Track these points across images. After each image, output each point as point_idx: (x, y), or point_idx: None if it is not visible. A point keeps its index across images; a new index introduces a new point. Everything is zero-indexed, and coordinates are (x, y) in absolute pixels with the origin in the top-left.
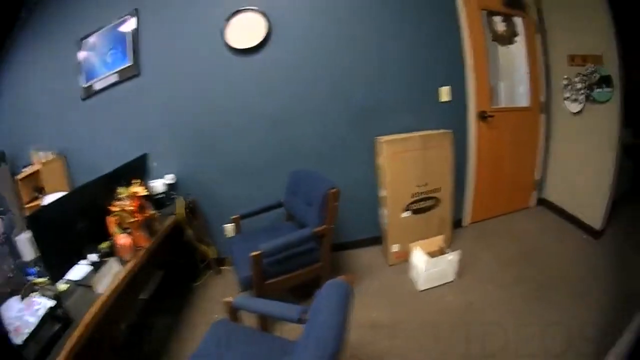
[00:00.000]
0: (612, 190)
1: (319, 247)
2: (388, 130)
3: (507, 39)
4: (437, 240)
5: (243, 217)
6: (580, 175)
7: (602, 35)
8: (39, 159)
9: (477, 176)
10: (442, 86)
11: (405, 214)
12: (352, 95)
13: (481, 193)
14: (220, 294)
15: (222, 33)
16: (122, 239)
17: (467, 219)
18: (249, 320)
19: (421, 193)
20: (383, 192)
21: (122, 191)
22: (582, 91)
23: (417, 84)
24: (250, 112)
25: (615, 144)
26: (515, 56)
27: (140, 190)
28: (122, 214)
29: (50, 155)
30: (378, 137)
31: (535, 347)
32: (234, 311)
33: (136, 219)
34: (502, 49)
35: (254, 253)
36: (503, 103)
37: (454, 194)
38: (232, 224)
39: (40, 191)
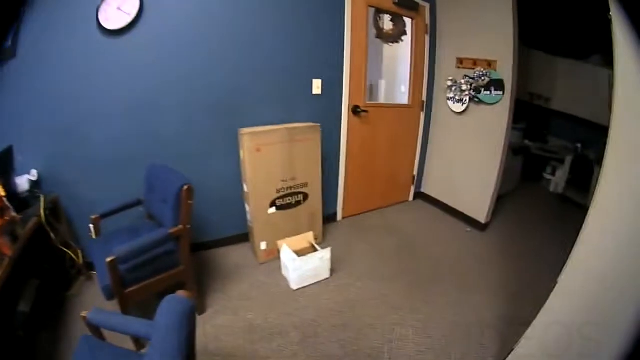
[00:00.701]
0: (497, 186)
1: (177, 251)
2: (254, 122)
3: (393, 37)
4: (308, 237)
5: (103, 216)
6: (464, 172)
7: (500, 42)
8: None
9: (348, 170)
10: (315, 78)
11: (272, 210)
12: (219, 83)
13: (354, 187)
14: (94, 303)
15: (96, 12)
16: None
17: (340, 213)
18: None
19: (287, 188)
20: (246, 188)
21: None
22: (466, 92)
23: (290, 75)
24: (111, 98)
25: (503, 144)
26: (400, 55)
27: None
28: None
29: None
30: (241, 129)
31: (417, 343)
32: (93, 327)
33: None
34: (387, 48)
35: (109, 259)
36: (382, 100)
37: (323, 189)
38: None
39: None
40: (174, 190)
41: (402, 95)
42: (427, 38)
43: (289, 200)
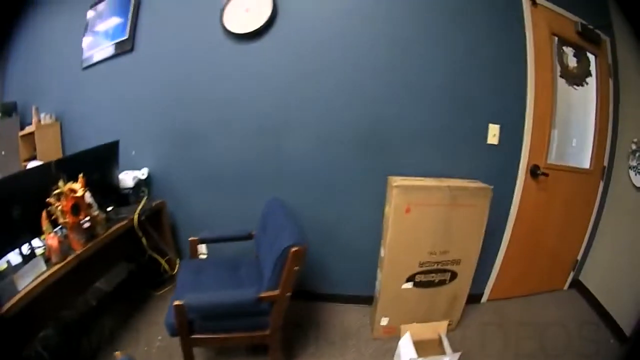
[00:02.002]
0: None
1: (268, 313)
2: (406, 169)
3: (579, 78)
4: (439, 328)
5: (202, 241)
6: (627, 264)
7: None
8: (37, 120)
9: (511, 246)
10: (492, 123)
11: (407, 285)
12: (368, 110)
13: (511, 267)
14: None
15: (221, 13)
16: (50, 239)
17: (487, 294)
18: None
19: (434, 263)
20: (382, 252)
21: (61, 186)
22: None
23: (459, 113)
24: (237, 107)
25: None
26: (580, 102)
27: (77, 189)
28: (56, 211)
29: (48, 119)
30: (391, 177)
31: None
32: None
33: (67, 220)
34: (567, 90)
35: (176, 302)
36: (553, 158)
37: (475, 269)
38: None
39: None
40: (279, 248)
41: (575, 155)
42: (611, 82)
43: (431, 278)
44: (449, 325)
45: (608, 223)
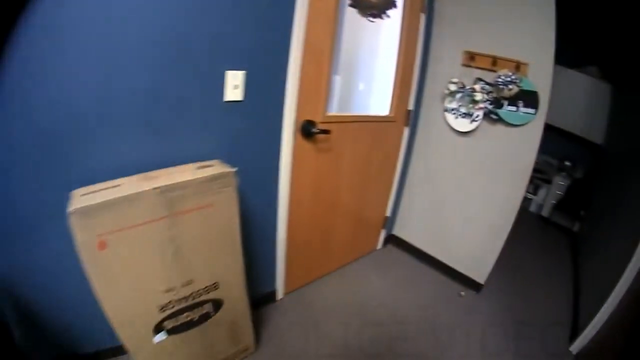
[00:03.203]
0: (507, 236)
1: None
2: (101, 171)
3: (377, 9)
4: None
5: None
6: (461, 215)
7: (535, 37)
8: None
9: (292, 227)
10: (231, 69)
11: (160, 338)
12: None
13: (303, 249)
14: None
15: None
16: None
17: (281, 289)
18: None
19: (181, 300)
20: (105, 310)
21: None
22: (481, 105)
23: (177, 65)
24: None
25: (525, 183)
26: (377, 39)
27: None
28: None
29: None
30: (75, 192)
31: None
32: None
33: None
34: (358, 22)
35: None
36: (335, 107)
37: (249, 267)
38: None
39: None
40: None
41: (361, 97)
42: (423, 18)
43: (187, 318)
44: (245, 351)
45: (420, 172)
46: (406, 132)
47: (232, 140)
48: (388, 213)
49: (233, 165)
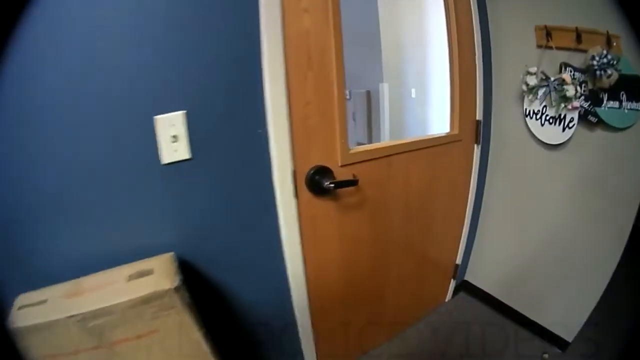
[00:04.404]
0: (608, 281)
1: None
2: (32, 272)
3: None
4: None
5: None
6: (552, 256)
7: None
8: None
9: (319, 311)
10: (163, 112)
11: None
12: None
13: (340, 329)
14: None
15: None
16: None
17: None
18: None
19: None
20: None
21: None
22: (576, 102)
23: (88, 114)
24: None
25: (635, 209)
26: (425, 24)
27: None
28: None
29: None
30: (17, 300)
31: None
32: None
33: None
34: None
35: None
36: (387, 133)
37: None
38: None
39: None
40: None
41: (414, 107)
42: None
43: None
44: None
45: (495, 202)
46: (477, 151)
47: (189, 220)
48: (459, 260)
49: (197, 257)
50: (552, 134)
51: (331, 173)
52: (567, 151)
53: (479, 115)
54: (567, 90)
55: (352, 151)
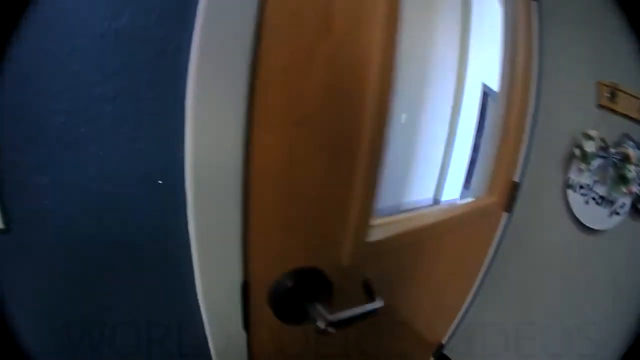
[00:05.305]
0: None
1: None
2: None
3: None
4: None
5: None
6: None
7: None
8: None
9: None
10: None
11: None
12: None
13: None
14: None
15: None
16: None
17: None
18: None
19: None
20: None
21: None
22: (633, 185)
23: None
24: None
25: None
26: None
27: None
28: None
29: None
30: None
31: None
32: None
33: None
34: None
35: None
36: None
37: None
38: None
39: None
40: None
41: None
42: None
43: None
44: None
45: (500, 283)
46: (503, 220)
47: None
48: (444, 340)
49: None
50: (597, 216)
51: (327, 285)
52: (605, 239)
53: (516, 177)
54: (629, 171)
55: (374, 236)
